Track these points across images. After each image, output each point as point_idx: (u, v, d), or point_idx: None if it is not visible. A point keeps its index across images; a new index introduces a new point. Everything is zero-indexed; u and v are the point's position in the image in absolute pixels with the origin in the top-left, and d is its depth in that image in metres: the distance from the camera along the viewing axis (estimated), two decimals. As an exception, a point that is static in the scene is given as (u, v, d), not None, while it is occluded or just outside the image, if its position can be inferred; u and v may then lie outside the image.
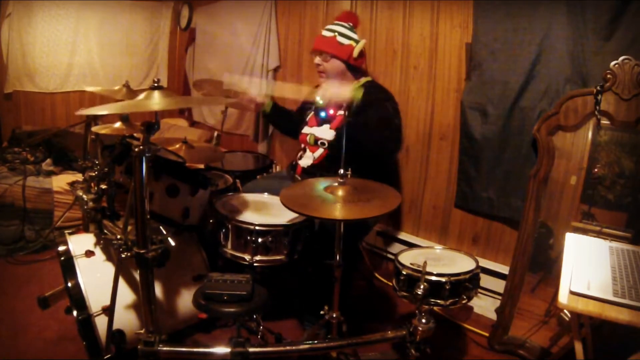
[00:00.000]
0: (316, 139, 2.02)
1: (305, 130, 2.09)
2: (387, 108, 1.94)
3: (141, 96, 1.30)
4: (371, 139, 1.82)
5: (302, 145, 2.13)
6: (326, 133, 2.01)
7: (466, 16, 2.20)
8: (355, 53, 1.99)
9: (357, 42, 2.01)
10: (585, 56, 1.82)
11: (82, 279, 1.49)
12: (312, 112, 2.11)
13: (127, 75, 3.75)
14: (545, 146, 1.83)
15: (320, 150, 2.02)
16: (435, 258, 1.56)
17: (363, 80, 2.07)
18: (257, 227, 1.57)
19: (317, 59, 1.99)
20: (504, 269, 2.05)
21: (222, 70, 3.81)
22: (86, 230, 1.93)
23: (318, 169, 2.00)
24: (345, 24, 2.04)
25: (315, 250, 1.71)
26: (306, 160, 2.06)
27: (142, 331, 1.22)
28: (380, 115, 1.90)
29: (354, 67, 2.04)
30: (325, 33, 2.00)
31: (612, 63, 1.64)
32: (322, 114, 2.04)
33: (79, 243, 1.61)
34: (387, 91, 2.04)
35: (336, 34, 1.98)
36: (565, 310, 1.57)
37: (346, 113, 1.88)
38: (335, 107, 1.98)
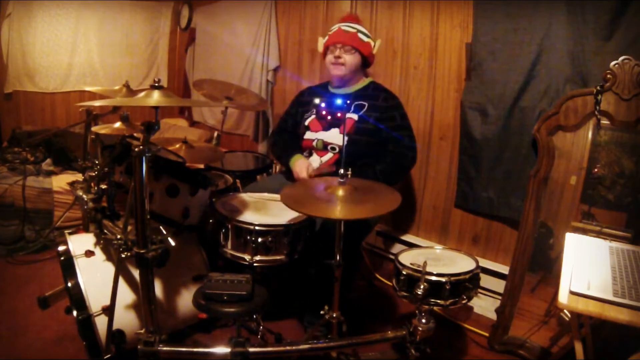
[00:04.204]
0: (325, 144, 2.00)
1: (310, 135, 2.04)
2: (407, 118, 2.01)
3: (142, 94, 1.30)
4: (402, 150, 1.94)
5: (305, 149, 2.08)
6: (336, 137, 1.97)
7: (466, 16, 2.20)
8: (375, 50, 2.06)
9: (373, 41, 2.07)
10: (585, 56, 1.82)
11: (82, 278, 1.49)
12: (314, 116, 2.07)
13: (127, 75, 3.74)
14: (545, 146, 1.83)
15: (329, 155, 1.99)
16: (435, 258, 1.56)
17: (367, 80, 2.11)
18: (257, 227, 1.56)
19: (338, 51, 1.99)
20: (504, 269, 2.05)
21: (222, 70, 3.81)
22: (86, 230, 1.93)
23: (326, 173, 1.99)
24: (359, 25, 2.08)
25: (316, 250, 1.71)
26: (313, 165, 2.01)
27: (142, 331, 1.22)
28: (407, 125, 1.99)
29: (366, 65, 2.10)
30: (346, 29, 2.01)
31: (612, 63, 1.64)
32: (329, 117, 2.02)
33: (79, 243, 1.61)
34: (396, 96, 2.07)
35: (357, 30, 2.01)
36: (565, 310, 1.57)
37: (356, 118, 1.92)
38: (342, 111, 1.99)
